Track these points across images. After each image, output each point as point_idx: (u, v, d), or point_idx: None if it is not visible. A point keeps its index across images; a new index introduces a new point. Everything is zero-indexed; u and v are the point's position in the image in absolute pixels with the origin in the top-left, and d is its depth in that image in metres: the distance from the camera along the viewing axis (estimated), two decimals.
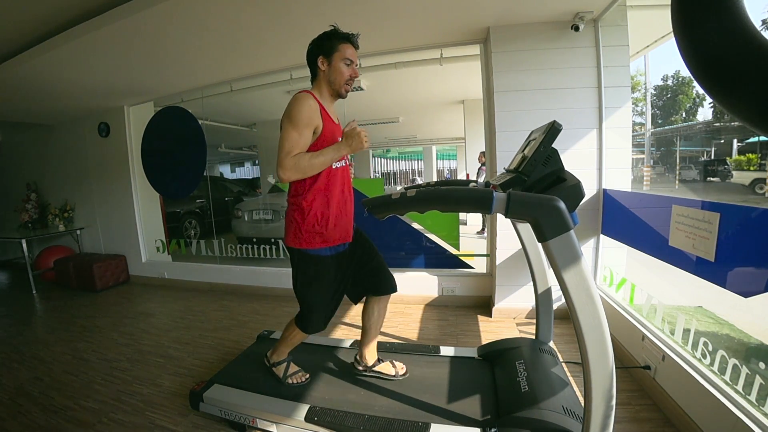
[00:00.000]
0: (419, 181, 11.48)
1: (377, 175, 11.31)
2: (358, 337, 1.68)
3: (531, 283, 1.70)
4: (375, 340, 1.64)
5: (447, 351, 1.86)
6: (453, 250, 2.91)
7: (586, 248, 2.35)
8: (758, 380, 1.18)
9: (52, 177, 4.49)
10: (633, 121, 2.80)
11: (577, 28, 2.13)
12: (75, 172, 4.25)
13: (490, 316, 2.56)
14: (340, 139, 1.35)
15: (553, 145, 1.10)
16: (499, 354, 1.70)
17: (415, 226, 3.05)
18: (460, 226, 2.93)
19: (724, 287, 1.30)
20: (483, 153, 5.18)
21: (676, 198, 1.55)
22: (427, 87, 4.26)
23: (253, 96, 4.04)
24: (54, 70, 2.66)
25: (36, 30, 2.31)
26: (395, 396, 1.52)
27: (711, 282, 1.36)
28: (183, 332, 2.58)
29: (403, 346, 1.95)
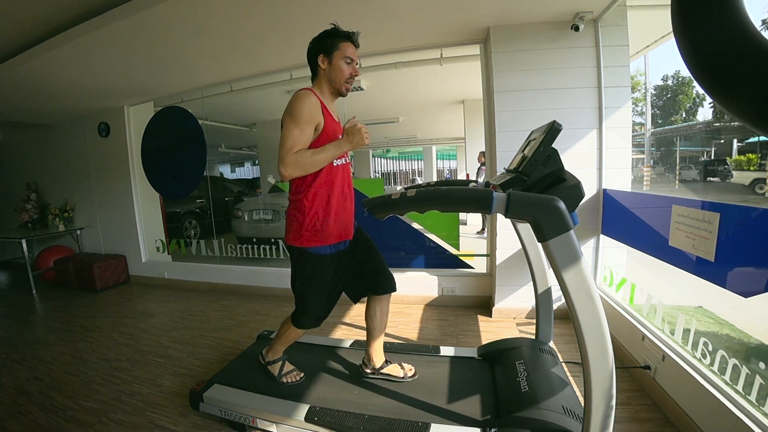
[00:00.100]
0: (419, 181, 11.48)
1: (377, 175, 11.31)
2: (359, 337, 1.68)
3: (531, 283, 1.70)
4: (381, 341, 1.63)
5: (447, 351, 1.86)
6: (453, 250, 2.91)
7: (586, 248, 2.35)
8: (758, 380, 1.18)
9: (52, 177, 4.49)
10: (633, 121, 2.80)
11: (577, 28, 2.13)
12: (75, 172, 4.25)
13: (490, 316, 2.56)
14: (341, 136, 1.36)
15: (553, 145, 1.10)
16: (499, 354, 1.70)
17: (415, 226, 3.05)
18: (460, 226, 2.93)
19: (724, 287, 1.30)
20: (482, 153, 5.18)
21: (676, 198, 1.55)
22: (427, 87, 4.26)
23: (253, 96, 4.04)
24: (54, 70, 2.66)
25: (36, 30, 2.31)
26: (395, 396, 1.52)
27: (711, 282, 1.36)
28: (183, 332, 2.58)
29: (403, 346, 1.95)
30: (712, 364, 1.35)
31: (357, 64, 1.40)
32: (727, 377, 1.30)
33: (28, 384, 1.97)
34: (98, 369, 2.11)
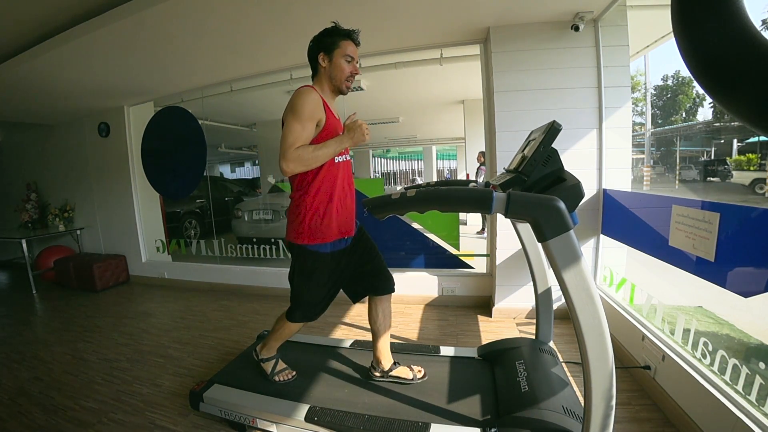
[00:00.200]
0: (419, 181, 11.48)
1: (377, 175, 11.31)
2: (359, 337, 1.68)
3: (531, 283, 1.70)
4: (387, 342, 1.62)
5: (447, 351, 1.86)
6: (453, 250, 2.91)
7: (586, 248, 2.35)
8: (758, 380, 1.18)
9: (52, 177, 4.49)
10: (633, 121, 2.80)
11: (577, 28, 2.13)
12: (75, 172, 4.25)
13: (490, 316, 2.56)
14: (342, 132, 1.37)
15: (553, 145, 1.10)
16: (499, 354, 1.70)
17: (415, 226, 3.05)
18: (460, 226, 2.93)
19: (724, 287, 1.30)
20: (482, 153, 5.19)
21: (676, 198, 1.55)
22: (427, 87, 4.26)
23: (253, 96, 4.04)
24: (54, 70, 2.66)
25: (36, 30, 2.31)
26: (395, 396, 1.52)
27: (711, 282, 1.36)
28: (183, 332, 2.58)
29: (403, 346, 1.95)
30: (712, 364, 1.35)
31: (357, 62, 1.40)
32: (727, 377, 1.30)
33: (28, 384, 1.97)
34: (98, 369, 2.11)
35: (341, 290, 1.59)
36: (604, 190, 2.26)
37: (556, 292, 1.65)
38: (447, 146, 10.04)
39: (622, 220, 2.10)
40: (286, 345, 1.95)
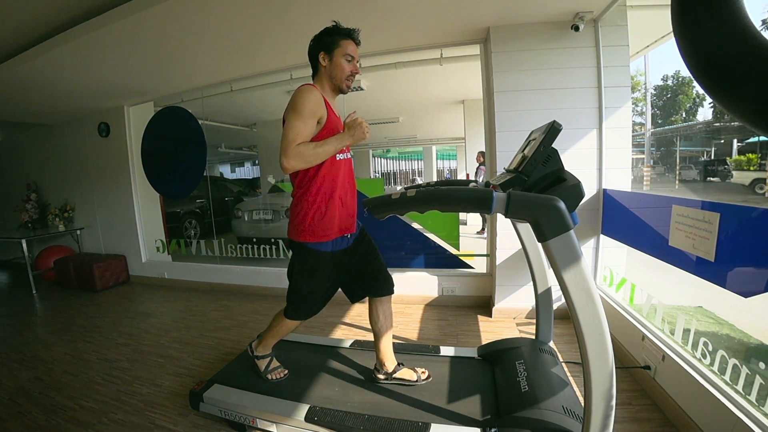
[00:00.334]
0: (419, 181, 11.48)
1: (377, 175, 11.30)
2: (359, 337, 1.68)
3: (531, 283, 1.70)
4: (389, 343, 1.62)
5: (447, 351, 1.86)
6: (453, 250, 2.91)
7: (586, 248, 2.35)
8: (758, 380, 1.18)
9: (52, 177, 4.49)
10: (633, 121, 2.80)
11: (577, 28, 2.13)
12: (75, 172, 4.25)
13: (490, 316, 2.56)
14: (343, 130, 1.37)
15: (553, 145, 1.10)
16: (499, 354, 1.70)
17: (415, 226, 3.05)
18: (460, 226, 2.93)
19: (724, 287, 1.30)
20: (481, 153, 5.19)
21: (676, 198, 1.55)
22: (427, 87, 4.26)
23: (253, 96, 4.04)
24: (54, 70, 2.66)
25: (36, 30, 2.31)
26: (395, 396, 1.52)
27: (711, 282, 1.36)
28: (183, 332, 2.58)
29: (403, 346, 1.95)
30: (712, 364, 1.35)
31: (358, 61, 1.41)
32: (727, 377, 1.30)
33: (28, 384, 1.97)
34: (98, 369, 2.11)
35: (340, 290, 1.59)
36: (604, 190, 2.26)
37: (556, 292, 1.65)
38: (447, 146, 10.04)
39: (622, 220, 2.10)
40: (287, 345, 1.95)
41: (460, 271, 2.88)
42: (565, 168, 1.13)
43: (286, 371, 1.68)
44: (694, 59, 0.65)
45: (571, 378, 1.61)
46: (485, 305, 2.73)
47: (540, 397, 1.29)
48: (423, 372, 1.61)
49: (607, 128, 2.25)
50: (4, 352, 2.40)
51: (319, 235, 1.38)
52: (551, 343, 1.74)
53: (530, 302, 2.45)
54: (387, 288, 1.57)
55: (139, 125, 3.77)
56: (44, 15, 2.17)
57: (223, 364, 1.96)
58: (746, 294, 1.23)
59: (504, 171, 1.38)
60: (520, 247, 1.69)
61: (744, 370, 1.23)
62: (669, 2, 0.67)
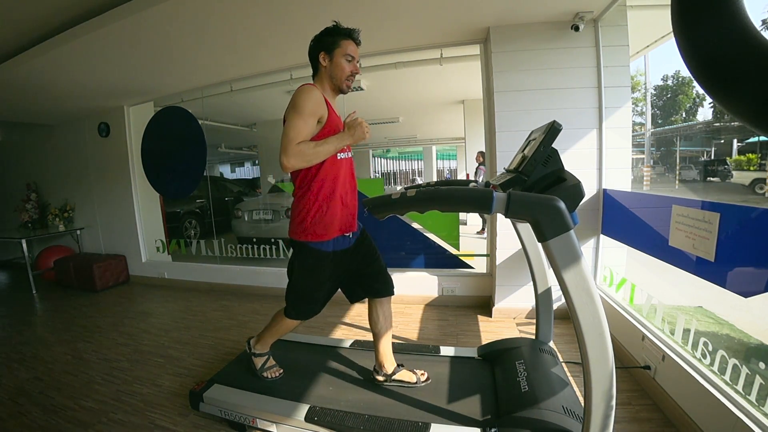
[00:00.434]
0: (419, 181, 11.48)
1: (377, 175, 11.30)
2: (359, 337, 1.68)
3: (531, 283, 1.70)
4: (389, 344, 1.62)
5: (447, 351, 1.86)
6: (453, 250, 2.91)
7: (586, 248, 2.35)
8: (758, 380, 1.18)
9: (52, 177, 4.49)
10: (633, 121, 2.80)
11: (577, 28, 2.13)
12: (75, 172, 4.25)
13: (490, 316, 2.56)
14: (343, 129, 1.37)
15: (553, 145, 1.10)
16: (499, 354, 1.70)
17: (415, 226, 3.05)
18: (460, 226, 2.93)
19: (724, 287, 1.30)
20: (480, 153, 5.19)
21: (676, 198, 1.55)
22: (427, 87, 4.26)
23: (253, 96, 4.04)
24: (54, 70, 2.66)
25: (36, 30, 2.31)
26: (395, 396, 1.52)
27: (711, 282, 1.36)
28: (183, 332, 2.58)
29: (403, 346, 1.95)
30: (712, 364, 1.35)
31: (358, 61, 1.41)
32: (727, 377, 1.30)
33: (28, 384, 1.97)
34: (98, 369, 2.11)
35: (339, 290, 1.59)
36: (604, 190, 2.26)
37: (556, 292, 1.65)
38: (447, 146, 10.04)
39: (622, 220, 2.10)
40: (287, 345, 1.95)
41: (460, 271, 2.88)
42: (565, 168, 1.13)
43: (282, 370, 1.68)
44: (694, 59, 0.65)
45: (571, 378, 1.61)
46: (485, 305, 2.73)
47: (540, 397, 1.29)
48: (422, 374, 1.61)
49: (607, 128, 2.25)
50: (4, 352, 2.40)
51: (320, 234, 1.38)
52: (551, 343, 1.74)
53: (530, 302, 2.45)
54: (387, 289, 1.57)
55: (139, 125, 3.77)
56: (44, 15, 2.17)
57: (223, 364, 1.96)
58: (746, 294, 1.23)
59: (504, 171, 1.38)
60: (520, 247, 1.69)
61: (744, 370, 1.23)
62: (669, 2, 0.67)
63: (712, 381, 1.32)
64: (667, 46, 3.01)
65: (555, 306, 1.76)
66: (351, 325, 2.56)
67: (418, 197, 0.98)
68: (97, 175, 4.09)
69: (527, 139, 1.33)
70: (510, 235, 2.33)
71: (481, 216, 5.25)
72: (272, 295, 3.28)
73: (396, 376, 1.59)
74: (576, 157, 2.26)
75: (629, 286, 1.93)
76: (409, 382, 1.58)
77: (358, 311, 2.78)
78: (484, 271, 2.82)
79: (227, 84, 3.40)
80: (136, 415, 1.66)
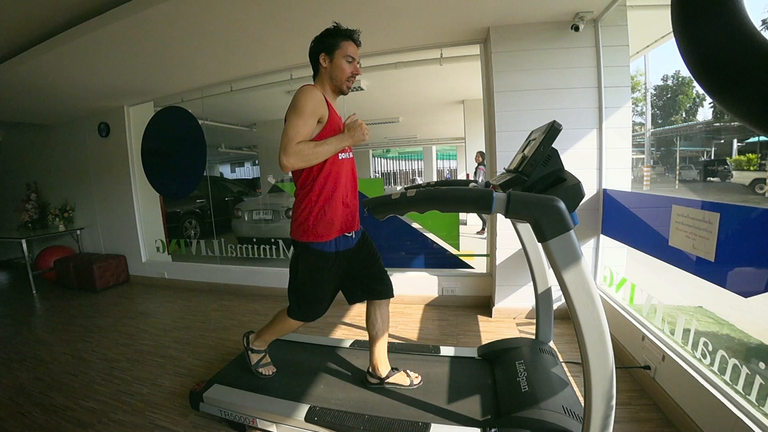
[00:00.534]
0: (419, 181, 11.48)
1: (377, 175, 11.31)
2: (359, 337, 1.68)
3: (531, 283, 1.70)
4: (384, 347, 1.62)
5: (447, 351, 1.86)
6: (453, 250, 2.91)
7: (586, 248, 2.35)
8: (758, 380, 1.18)
9: (52, 177, 4.49)
10: (633, 121, 2.80)
11: (577, 28, 2.12)
12: (75, 172, 4.25)
13: (490, 316, 2.56)
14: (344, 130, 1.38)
15: (553, 145, 1.10)
16: (499, 354, 1.70)
17: (415, 226, 3.05)
18: (460, 226, 2.93)
19: (724, 287, 1.30)
20: (480, 153, 5.19)
21: (676, 198, 1.55)
22: (427, 87, 4.26)
23: (253, 96, 4.04)
24: (54, 70, 2.66)
25: (36, 30, 2.31)
26: (395, 396, 1.52)
27: (711, 282, 1.36)
28: (183, 332, 2.58)
29: (403, 346, 1.95)
30: (712, 364, 1.35)
31: (358, 62, 1.41)
32: (727, 377, 1.30)
33: (28, 384, 1.97)
34: (98, 369, 2.11)
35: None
36: (604, 190, 2.26)
37: (556, 292, 1.65)
38: (447, 146, 10.05)
39: (622, 220, 2.10)
40: (287, 345, 1.95)
41: (460, 271, 2.88)
42: (565, 168, 1.13)
43: (275, 369, 1.70)
44: (694, 59, 0.65)
45: (571, 378, 1.61)
46: (485, 305, 2.73)
47: (540, 397, 1.29)
48: (416, 377, 1.62)
49: (607, 128, 2.25)
50: (4, 352, 2.40)
51: (321, 234, 1.38)
52: (551, 343, 1.74)
53: (530, 302, 2.45)
54: (387, 291, 1.58)
55: (139, 125, 3.77)
56: (44, 15, 2.17)
57: (223, 364, 1.96)
58: (746, 294, 1.23)
59: (504, 171, 1.39)
60: (520, 247, 1.69)
61: (744, 370, 1.22)
62: (669, 2, 0.67)
63: (712, 381, 1.32)
64: (667, 46, 3.02)
65: (555, 306, 1.76)
66: (351, 325, 2.56)
67: (418, 197, 0.98)
68: (97, 175, 4.09)
69: (527, 139, 1.33)
70: (510, 235, 2.33)
71: (480, 216, 5.25)
72: (272, 295, 3.28)
73: (390, 380, 1.59)
74: (576, 157, 2.26)
75: (629, 286, 1.93)
76: (402, 385, 1.59)
77: (358, 311, 2.78)
78: (484, 271, 2.82)
79: (227, 84, 3.40)
80: (136, 415, 1.66)
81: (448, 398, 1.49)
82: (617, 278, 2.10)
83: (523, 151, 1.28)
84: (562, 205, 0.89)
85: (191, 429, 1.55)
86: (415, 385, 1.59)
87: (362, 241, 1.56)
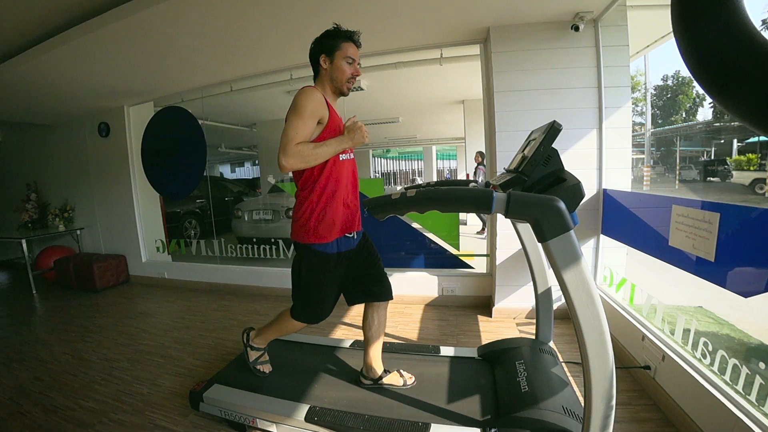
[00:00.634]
0: (419, 181, 11.48)
1: (377, 175, 11.31)
2: (359, 337, 1.68)
3: (531, 283, 1.70)
4: (379, 350, 1.62)
5: (447, 351, 1.86)
6: (453, 250, 2.91)
7: (586, 248, 2.35)
8: (758, 380, 1.18)
9: (52, 177, 4.49)
10: (633, 121, 2.80)
11: (577, 28, 2.13)
12: (75, 172, 4.25)
13: (490, 316, 2.56)
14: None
15: (553, 145, 1.10)
16: (499, 354, 1.70)
17: (415, 226, 3.05)
18: (460, 226, 2.93)
19: (724, 287, 1.30)
20: (479, 153, 5.19)
21: (676, 198, 1.55)
22: (427, 87, 4.26)
23: (253, 96, 4.04)
24: (54, 70, 2.66)
25: (36, 30, 2.31)
26: (395, 396, 1.52)
27: (711, 282, 1.36)
28: (183, 332, 2.58)
29: (403, 346, 1.95)
30: (712, 364, 1.35)
31: (358, 63, 1.41)
32: (727, 377, 1.30)
33: (28, 384, 1.97)
34: (98, 369, 2.11)
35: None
36: (604, 190, 2.26)
37: (556, 292, 1.65)
38: (447, 146, 10.05)
39: (622, 220, 2.10)
40: (287, 345, 1.96)
41: (460, 271, 2.88)
42: (565, 168, 1.13)
43: (271, 368, 1.70)
44: (694, 59, 0.65)
45: (571, 378, 1.61)
46: (485, 305, 2.73)
47: (540, 397, 1.29)
48: (410, 377, 1.62)
49: (607, 128, 2.25)
50: (4, 352, 2.40)
51: (323, 235, 1.38)
52: (551, 343, 1.74)
53: (530, 302, 2.45)
54: (386, 294, 1.58)
55: (139, 125, 3.77)
56: (44, 15, 2.17)
57: (223, 364, 1.96)
58: (746, 294, 1.23)
59: (504, 171, 1.39)
60: (520, 247, 1.69)
61: (744, 370, 1.23)
62: (669, 2, 0.67)
63: (712, 381, 1.32)
64: (667, 46, 3.01)
65: (555, 306, 1.76)
66: (351, 325, 2.56)
67: (418, 197, 0.98)
68: (97, 175, 4.09)
69: (527, 139, 1.33)
70: (510, 235, 2.33)
71: (479, 217, 5.25)
72: (272, 295, 3.28)
73: (383, 381, 1.59)
74: (576, 157, 2.26)
75: (629, 286, 1.93)
76: (396, 386, 1.59)
77: (358, 312, 2.77)
78: (484, 271, 2.82)
79: (227, 84, 3.40)
80: (136, 415, 1.66)
81: (448, 398, 1.49)
82: (617, 278, 2.10)
83: (523, 151, 1.28)
84: (562, 205, 0.89)
85: (191, 429, 1.55)
86: (408, 385, 1.60)
87: (363, 242, 1.56)
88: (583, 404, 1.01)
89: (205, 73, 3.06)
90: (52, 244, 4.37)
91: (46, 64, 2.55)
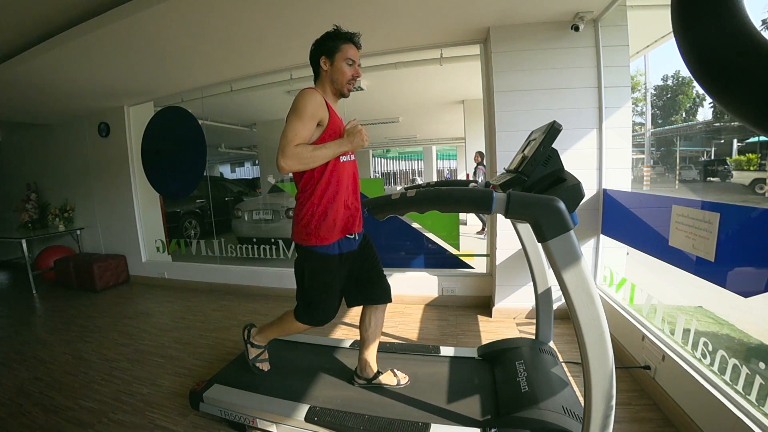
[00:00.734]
0: (419, 181, 11.49)
1: (377, 175, 11.31)
2: (358, 337, 1.68)
3: (531, 283, 1.70)
4: (374, 351, 1.62)
5: (447, 351, 1.86)
6: (453, 250, 2.91)
7: (586, 248, 2.35)
8: (758, 380, 1.18)
9: (52, 177, 4.49)
10: (633, 121, 2.80)
11: (577, 28, 2.13)
12: (75, 172, 4.25)
13: (490, 316, 2.56)
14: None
15: (553, 146, 1.10)
16: (499, 354, 1.70)
17: (415, 226, 3.05)
18: (460, 226, 2.93)
19: (724, 287, 1.30)
20: (479, 153, 5.19)
21: (676, 198, 1.55)
22: (427, 87, 4.26)
23: (253, 96, 4.04)
24: (54, 70, 2.66)
25: (36, 30, 2.31)
26: (395, 396, 1.52)
27: (711, 282, 1.36)
28: (183, 332, 2.58)
29: (403, 346, 1.95)
30: (712, 364, 1.35)
31: (359, 65, 1.41)
32: (727, 377, 1.30)
33: (28, 384, 1.97)
34: (98, 369, 2.11)
35: None
36: (604, 190, 2.26)
37: (556, 292, 1.65)
38: (447, 146, 10.05)
39: (622, 220, 2.10)
40: (287, 344, 1.96)
41: (460, 271, 2.88)
42: (565, 168, 1.13)
43: (269, 366, 1.71)
44: (694, 59, 0.65)
45: (571, 378, 1.61)
46: (485, 305, 2.73)
47: (540, 397, 1.29)
48: (404, 377, 1.62)
49: (607, 128, 2.25)
50: (4, 352, 2.40)
51: (324, 237, 1.38)
52: (551, 343, 1.74)
53: (530, 302, 2.45)
54: (385, 296, 1.58)
55: (139, 125, 3.77)
56: (44, 15, 2.17)
57: (223, 364, 1.96)
58: (746, 294, 1.23)
59: (504, 171, 1.39)
60: (520, 247, 1.69)
61: (744, 370, 1.23)
62: (669, 2, 0.67)
63: (712, 381, 1.32)
64: (667, 46, 3.01)
65: (555, 306, 1.76)
66: (351, 325, 2.56)
67: (418, 198, 0.98)
68: (97, 175, 4.09)
69: (527, 139, 1.33)
70: (510, 235, 2.33)
71: (479, 217, 5.26)
72: (272, 295, 3.28)
73: (376, 381, 1.60)
74: (576, 157, 2.26)
75: (629, 286, 1.93)
76: (390, 385, 1.59)
77: (358, 312, 2.77)
78: (484, 271, 2.82)
79: (227, 84, 3.40)
80: (136, 415, 1.66)
81: (448, 398, 1.49)
82: (617, 278, 2.10)
83: (523, 151, 1.28)
84: (562, 205, 0.89)
85: (191, 429, 1.55)
86: (402, 384, 1.60)
87: (364, 244, 1.55)
88: (583, 404, 1.01)
89: (205, 73, 3.06)
90: (52, 244, 4.36)
91: (46, 64, 2.55)
